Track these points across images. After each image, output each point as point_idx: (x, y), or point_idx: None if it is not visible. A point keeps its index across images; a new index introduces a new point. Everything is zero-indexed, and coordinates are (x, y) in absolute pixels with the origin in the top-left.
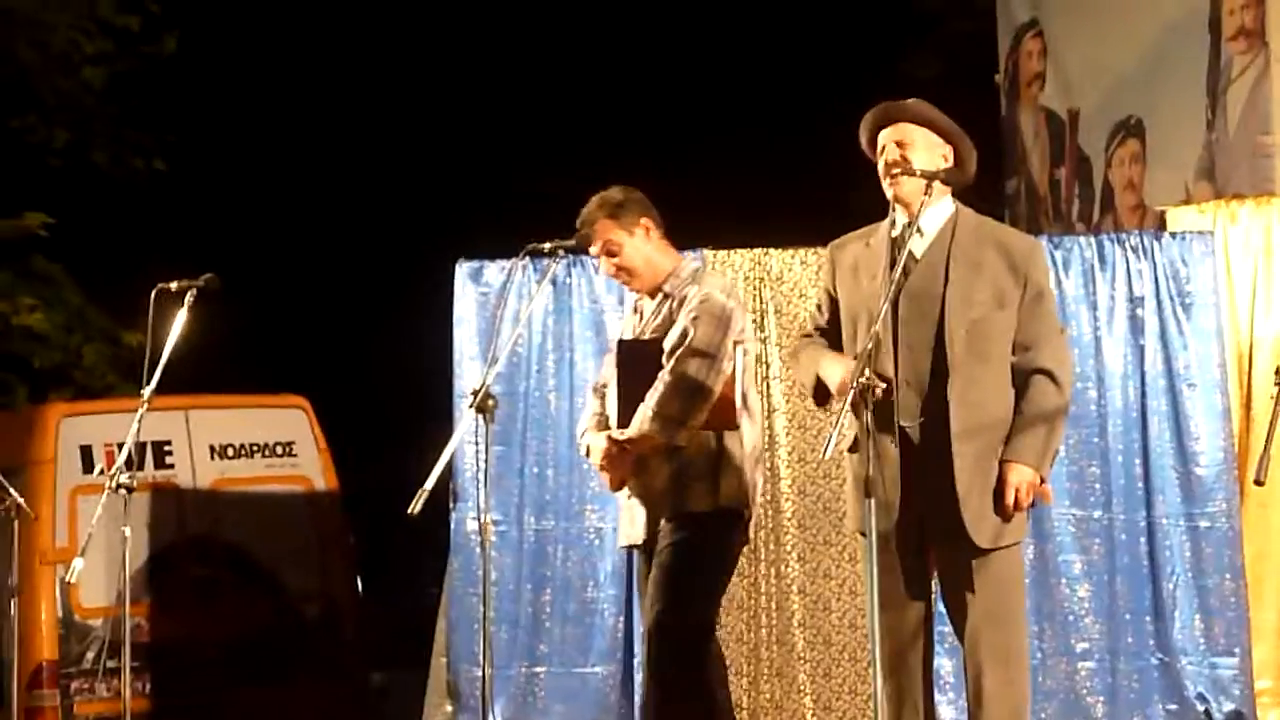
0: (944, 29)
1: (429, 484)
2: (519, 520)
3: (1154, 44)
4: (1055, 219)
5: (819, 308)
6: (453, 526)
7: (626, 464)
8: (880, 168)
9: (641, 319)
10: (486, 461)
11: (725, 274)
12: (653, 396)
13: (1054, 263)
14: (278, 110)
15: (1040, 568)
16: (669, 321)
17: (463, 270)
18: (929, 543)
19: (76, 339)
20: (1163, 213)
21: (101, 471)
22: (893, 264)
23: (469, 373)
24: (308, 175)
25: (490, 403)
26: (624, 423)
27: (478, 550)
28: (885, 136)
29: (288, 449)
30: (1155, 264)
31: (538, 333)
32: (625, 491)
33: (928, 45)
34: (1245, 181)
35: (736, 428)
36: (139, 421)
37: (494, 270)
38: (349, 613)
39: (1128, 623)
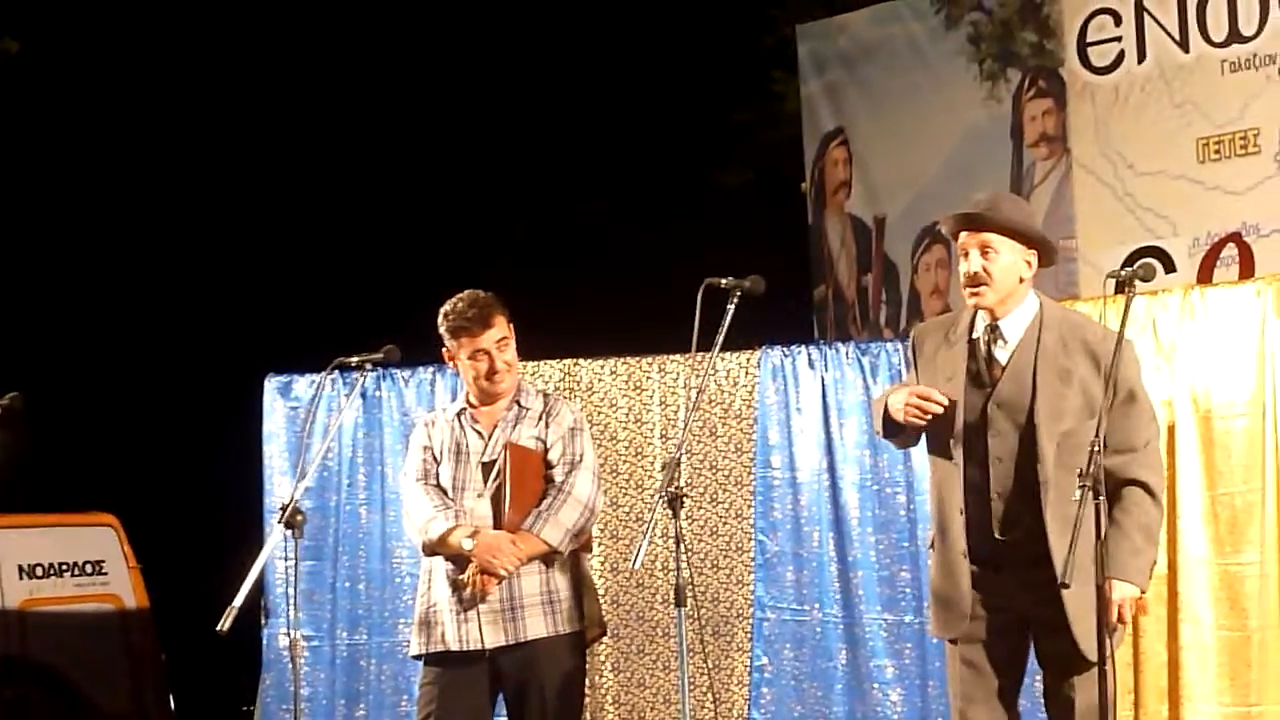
0: (752, 139)
1: (238, 601)
2: (331, 635)
3: (957, 151)
4: (863, 325)
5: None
6: (264, 643)
7: (517, 566)
8: (962, 275)
9: (488, 432)
10: (296, 577)
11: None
12: (555, 506)
13: (862, 369)
14: (76, 216)
15: (852, 673)
16: (536, 432)
17: (271, 384)
18: (1036, 642)
19: None
20: None
21: None
22: (972, 369)
23: (279, 488)
24: (110, 289)
25: (299, 518)
26: (508, 527)
27: (289, 666)
28: (967, 241)
29: (98, 567)
30: None
31: (348, 446)
32: (454, 596)
33: (737, 155)
34: (1050, 285)
35: (591, 550)
36: None
37: (303, 384)
38: None
39: None
